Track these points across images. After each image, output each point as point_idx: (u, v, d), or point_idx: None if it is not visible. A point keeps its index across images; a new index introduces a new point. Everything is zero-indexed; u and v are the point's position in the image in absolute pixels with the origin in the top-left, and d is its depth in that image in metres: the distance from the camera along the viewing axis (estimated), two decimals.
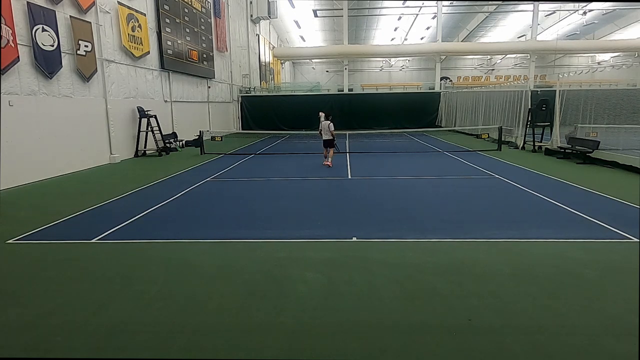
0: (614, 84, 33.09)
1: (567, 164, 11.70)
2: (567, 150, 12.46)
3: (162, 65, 16.43)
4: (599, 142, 11.63)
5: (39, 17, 9.93)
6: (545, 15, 35.23)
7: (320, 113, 13.61)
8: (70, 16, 11.17)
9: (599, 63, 43.13)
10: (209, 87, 21.83)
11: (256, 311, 3.64)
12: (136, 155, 14.58)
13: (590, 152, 11.54)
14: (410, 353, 3.00)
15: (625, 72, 35.49)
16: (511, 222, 6.17)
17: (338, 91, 32.07)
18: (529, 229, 5.79)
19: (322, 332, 3.30)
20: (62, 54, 10.79)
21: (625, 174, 9.90)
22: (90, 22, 12.00)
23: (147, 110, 14.50)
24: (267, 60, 33.99)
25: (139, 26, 14.58)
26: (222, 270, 4.57)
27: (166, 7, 16.62)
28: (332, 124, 11.59)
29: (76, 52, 11.36)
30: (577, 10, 33.98)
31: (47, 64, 10.26)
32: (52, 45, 10.42)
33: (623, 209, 6.76)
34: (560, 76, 16.46)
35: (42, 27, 10.05)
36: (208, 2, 21.24)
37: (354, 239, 5.49)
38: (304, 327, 3.36)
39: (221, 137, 17.33)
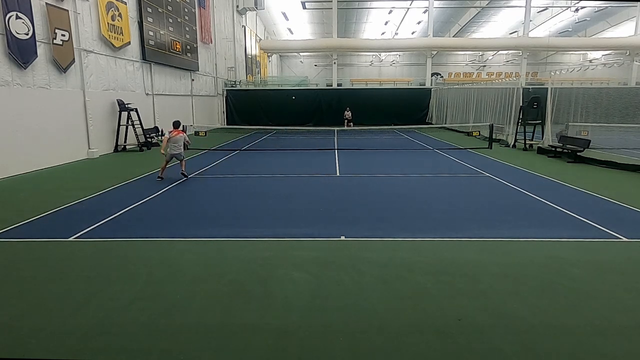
0: (605, 83, 34.00)
1: (557, 162, 11.84)
2: (558, 149, 12.61)
3: (144, 57, 15.98)
4: (590, 141, 11.82)
5: (12, 3, 9.48)
6: (538, 12, 35.65)
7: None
8: (47, 3, 10.71)
9: (590, 61, 44.17)
10: (193, 80, 21.39)
11: (241, 312, 3.57)
12: (116, 150, 14.18)
13: (581, 151, 11.72)
14: (400, 354, 2.96)
15: (617, 70, 36.56)
16: (502, 221, 6.21)
17: (327, 86, 31.83)
18: (520, 228, 5.83)
19: (310, 333, 3.25)
20: (38, 43, 10.35)
21: (615, 173, 10.08)
22: (67, 10, 11.54)
23: (127, 104, 14.10)
24: (253, 53, 33.52)
25: (119, 15, 14.11)
26: (206, 270, 4.45)
27: None
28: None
29: (52, 41, 10.91)
30: (569, 7, 34.50)
31: (21, 53, 9.83)
32: (27, 34, 9.97)
33: (613, 209, 6.86)
34: (552, 74, 16.65)
35: (16, 15, 9.60)
36: None
37: (343, 237, 5.43)
38: (291, 328, 3.30)
39: (205, 132, 17.04)
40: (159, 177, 9.27)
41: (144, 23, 15.79)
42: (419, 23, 41.26)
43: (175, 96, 19.45)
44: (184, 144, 9.45)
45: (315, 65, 46.90)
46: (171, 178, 9.41)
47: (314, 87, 32.04)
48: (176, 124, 9.50)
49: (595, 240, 5.35)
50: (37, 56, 10.35)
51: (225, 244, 5.28)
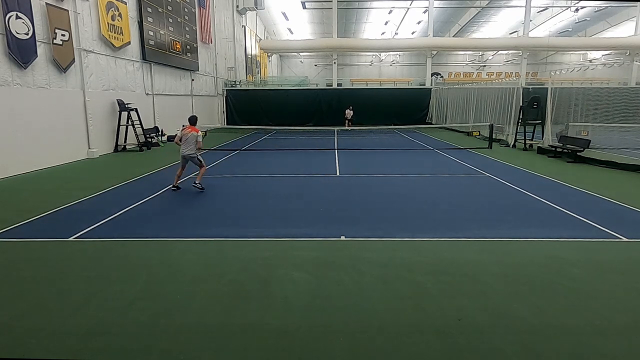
0: (605, 83, 34.02)
1: (557, 162, 11.83)
2: (558, 149, 12.61)
3: (144, 57, 15.97)
4: (590, 140, 11.82)
5: (12, 3, 9.48)
6: (538, 12, 35.65)
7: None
8: (47, 3, 10.71)
9: (590, 61, 44.16)
10: (193, 79, 21.38)
11: (241, 312, 3.56)
12: (116, 150, 14.17)
13: (581, 151, 11.71)
14: (400, 354, 2.96)
15: (617, 70, 36.58)
16: (502, 221, 6.21)
17: (327, 86, 31.83)
18: (520, 228, 5.83)
19: (310, 333, 3.25)
20: (38, 43, 10.35)
21: (616, 173, 10.08)
22: (67, 10, 11.54)
23: (127, 103, 14.10)
24: (253, 52, 33.52)
25: (119, 15, 14.11)
26: (206, 270, 4.45)
27: None
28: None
29: (52, 41, 10.90)
30: (570, 7, 34.50)
31: (21, 53, 9.83)
32: (27, 34, 9.97)
33: (613, 209, 6.86)
34: (552, 74, 16.66)
35: (16, 14, 9.60)
36: None
37: (343, 237, 5.43)
38: (291, 328, 3.30)
39: (205, 132, 17.04)
40: (173, 187, 8.16)
41: (144, 23, 15.78)
42: (419, 23, 41.25)
43: (175, 96, 19.44)
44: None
45: (315, 65, 46.88)
46: (170, 178, 9.38)
47: (314, 87, 32.02)
48: (191, 120, 8.20)
49: (595, 240, 5.35)
50: (37, 56, 10.35)
51: (225, 244, 5.28)
